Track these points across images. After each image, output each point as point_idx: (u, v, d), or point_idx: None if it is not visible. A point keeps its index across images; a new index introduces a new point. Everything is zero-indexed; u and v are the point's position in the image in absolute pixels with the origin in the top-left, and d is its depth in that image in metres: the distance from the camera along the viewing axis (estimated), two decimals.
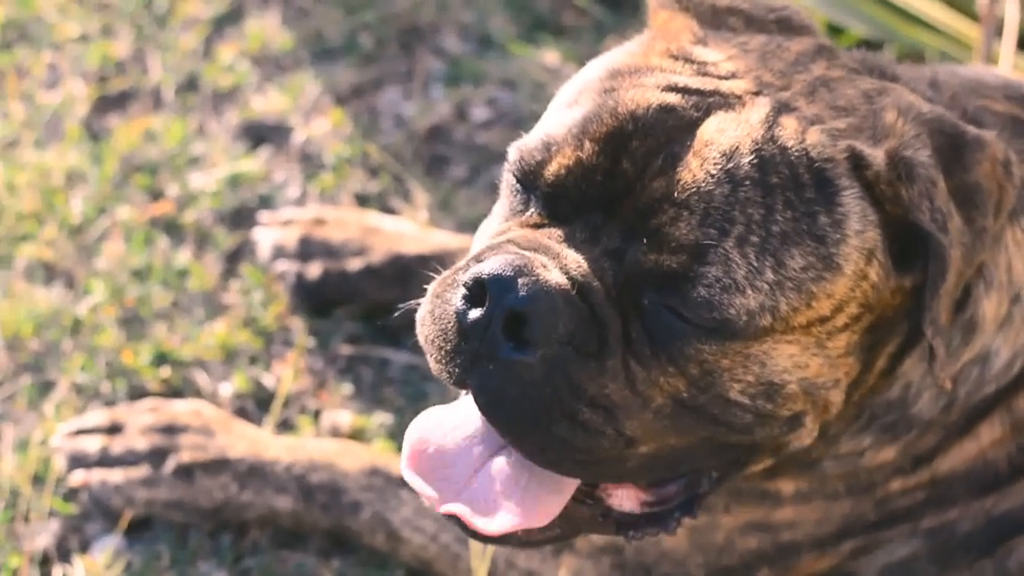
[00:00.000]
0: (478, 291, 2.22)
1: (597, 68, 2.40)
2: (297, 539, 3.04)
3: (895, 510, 2.56)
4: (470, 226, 3.53)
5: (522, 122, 3.76)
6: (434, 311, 2.30)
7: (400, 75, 3.87)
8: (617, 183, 2.26)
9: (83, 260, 3.47)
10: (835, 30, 3.87)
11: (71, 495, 3.09)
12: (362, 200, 3.62)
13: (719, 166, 2.23)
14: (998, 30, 3.57)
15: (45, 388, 3.26)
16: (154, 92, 3.82)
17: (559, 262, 2.26)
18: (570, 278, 2.24)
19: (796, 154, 2.25)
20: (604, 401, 2.25)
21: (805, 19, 2.51)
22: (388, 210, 3.59)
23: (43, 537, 3.03)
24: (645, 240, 2.23)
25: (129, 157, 3.67)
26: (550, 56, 3.90)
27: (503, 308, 2.20)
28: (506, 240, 2.31)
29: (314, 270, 3.37)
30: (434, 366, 2.31)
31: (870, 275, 2.29)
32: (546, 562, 2.75)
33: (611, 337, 2.25)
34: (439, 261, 3.32)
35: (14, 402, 3.24)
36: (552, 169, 2.30)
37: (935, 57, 3.74)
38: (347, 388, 3.29)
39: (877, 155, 2.26)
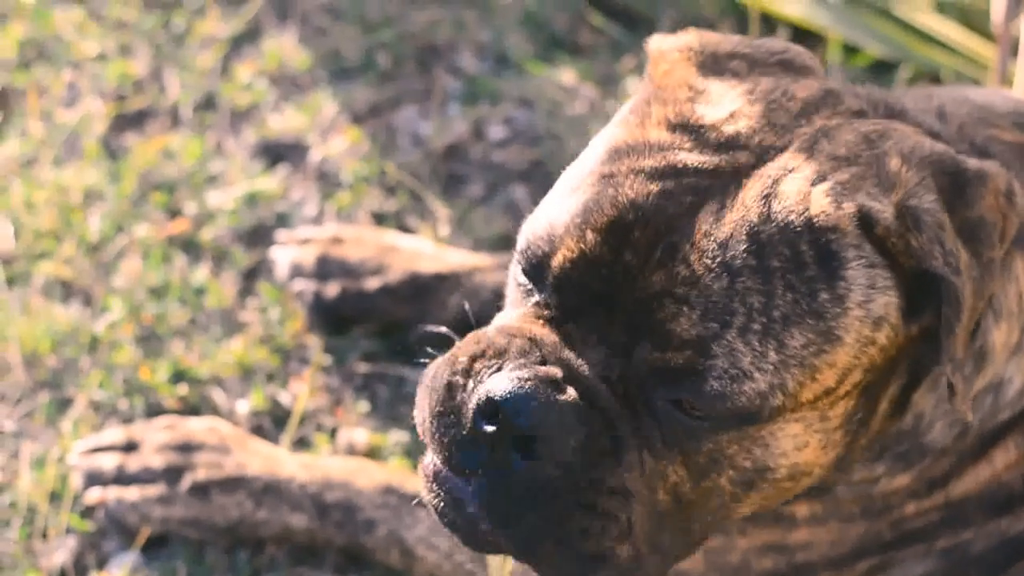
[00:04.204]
0: (490, 410, 2.22)
1: (598, 148, 2.36)
2: (314, 556, 3.04)
3: (910, 531, 2.56)
4: (487, 244, 3.54)
5: (538, 140, 3.77)
6: (442, 402, 2.29)
7: (417, 94, 3.89)
8: (620, 275, 2.24)
9: (101, 278, 3.49)
10: (850, 50, 3.88)
11: (88, 512, 3.10)
12: (379, 218, 3.62)
13: (717, 259, 2.20)
14: (1013, 50, 3.57)
15: (63, 405, 3.28)
16: (172, 111, 3.84)
17: (567, 368, 2.25)
18: (578, 386, 2.24)
19: (797, 229, 2.22)
20: (622, 490, 2.25)
21: (807, 60, 2.46)
22: (405, 228, 3.60)
23: (60, 554, 3.04)
24: (649, 336, 2.22)
25: (147, 175, 3.68)
26: (567, 75, 3.91)
27: (514, 429, 2.21)
28: (514, 343, 2.30)
29: (332, 289, 3.38)
30: (430, 442, 2.30)
31: (879, 340, 2.26)
32: None
33: (625, 437, 2.25)
34: (455, 280, 3.33)
35: (32, 419, 3.25)
36: (557, 261, 2.27)
37: (950, 77, 3.74)
38: (363, 406, 3.29)
39: (885, 211, 2.23)
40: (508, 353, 2.29)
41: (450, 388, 2.29)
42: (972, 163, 2.32)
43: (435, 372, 2.33)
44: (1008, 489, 2.53)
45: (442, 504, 2.32)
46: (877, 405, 2.37)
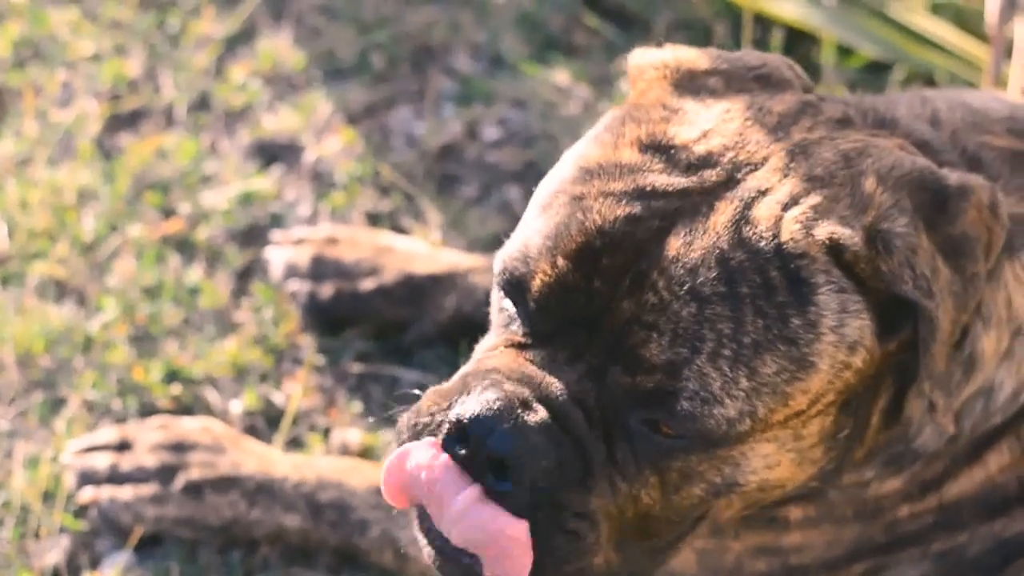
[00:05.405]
0: (462, 432, 2.24)
1: (570, 164, 2.36)
2: (307, 556, 3.04)
3: (904, 533, 2.56)
4: (481, 245, 3.54)
5: (533, 141, 3.77)
6: (415, 436, 2.31)
7: (411, 94, 3.89)
8: (594, 302, 2.25)
9: (95, 277, 3.49)
10: (844, 51, 3.88)
11: (81, 512, 3.10)
12: (373, 219, 3.63)
13: (685, 285, 2.20)
14: (1007, 51, 3.58)
15: (56, 405, 3.28)
16: (166, 111, 3.84)
17: (541, 392, 2.25)
18: (551, 409, 2.24)
19: (767, 255, 2.21)
20: (589, 514, 2.27)
21: (786, 72, 2.44)
22: (399, 229, 3.60)
23: (53, 553, 3.04)
24: (621, 361, 2.23)
25: (141, 175, 3.68)
26: (561, 76, 3.91)
27: (485, 451, 2.22)
28: (492, 368, 2.31)
29: (327, 290, 3.38)
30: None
31: (854, 364, 2.26)
32: None
33: (595, 463, 2.26)
34: (450, 281, 3.33)
35: (25, 419, 3.25)
36: (535, 285, 2.28)
37: (944, 78, 3.74)
38: (357, 406, 3.29)
39: (854, 237, 2.22)
40: (481, 376, 2.30)
41: (420, 424, 2.31)
42: (954, 178, 2.30)
43: (406, 417, 2.35)
44: (1002, 491, 2.53)
45: (432, 552, 2.34)
46: (869, 420, 2.37)
